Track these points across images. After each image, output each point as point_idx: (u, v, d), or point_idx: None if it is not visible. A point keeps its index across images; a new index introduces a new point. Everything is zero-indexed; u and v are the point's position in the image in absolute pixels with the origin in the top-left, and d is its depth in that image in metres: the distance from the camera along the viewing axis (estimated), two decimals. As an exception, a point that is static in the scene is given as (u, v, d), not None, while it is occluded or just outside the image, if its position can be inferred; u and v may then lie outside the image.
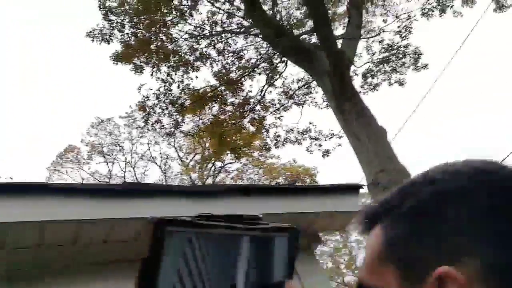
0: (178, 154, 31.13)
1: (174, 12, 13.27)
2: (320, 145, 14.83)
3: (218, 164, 29.92)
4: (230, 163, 29.46)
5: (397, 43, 13.65)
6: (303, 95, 15.65)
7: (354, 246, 46.39)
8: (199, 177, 30.94)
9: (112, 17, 12.02)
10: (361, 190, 3.99)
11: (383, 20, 14.00)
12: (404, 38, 13.46)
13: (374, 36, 14.04)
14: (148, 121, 12.98)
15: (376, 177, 10.84)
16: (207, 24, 13.24)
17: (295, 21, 14.64)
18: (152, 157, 31.10)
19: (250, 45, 14.61)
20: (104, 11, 11.88)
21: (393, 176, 10.45)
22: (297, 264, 0.87)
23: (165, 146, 30.20)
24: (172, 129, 13.36)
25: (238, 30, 13.68)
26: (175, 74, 12.91)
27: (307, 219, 3.71)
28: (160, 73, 12.74)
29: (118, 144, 29.68)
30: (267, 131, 15.33)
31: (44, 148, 53.31)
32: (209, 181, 30.47)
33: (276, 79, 14.76)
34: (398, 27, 13.55)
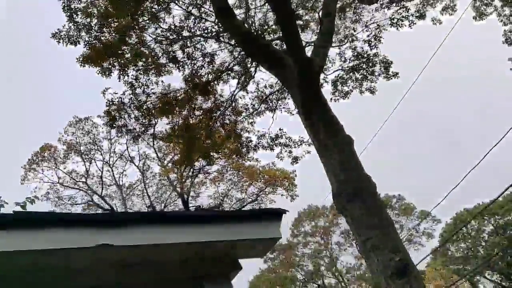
0: (157, 155, 30.93)
1: (146, 14, 13.10)
2: (290, 152, 14.77)
3: (197, 165, 29.71)
4: (209, 164, 29.34)
5: (366, 51, 13.64)
6: (276, 100, 15.58)
7: (334, 248, 46.68)
8: (178, 178, 30.73)
9: (78, 19, 11.84)
10: (284, 215, 3.89)
11: (353, 29, 13.99)
12: (373, 47, 13.46)
13: (343, 45, 14.01)
14: (114, 125, 12.83)
15: (340, 187, 10.74)
16: (177, 28, 13.07)
17: (267, 26, 14.53)
18: (131, 157, 30.89)
19: (223, 48, 14.50)
20: (68, 13, 11.68)
21: (357, 186, 10.37)
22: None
23: (144, 146, 29.96)
24: (140, 133, 13.22)
25: (209, 34, 13.54)
26: (144, 78, 12.75)
27: (224, 246, 3.62)
28: (128, 76, 12.58)
29: (96, 143, 29.41)
30: (239, 136, 15.22)
31: (20, 146, 52.73)
32: (187, 182, 30.31)
33: (247, 84, 14.66)
34: (368, 36, 13.54)
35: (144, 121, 12.94)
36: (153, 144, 29.43)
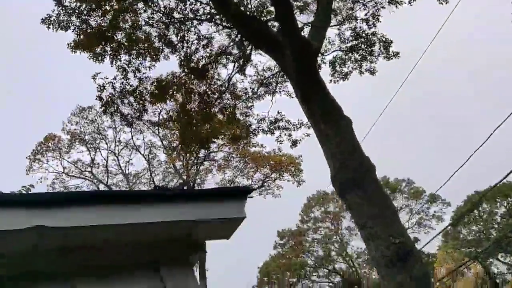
0: (162, 143, 30.79)
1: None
2: (290, 135, 14.51)
3: (203, 152, 29.50)
4: (214, 151, 29.18)
5: (364, 31, 13.23)
6: (275, 83, 15.26)
7: (345, 233, 46.45)
8: (184, 166, 30.61)
9: (67, 3, 11.57)
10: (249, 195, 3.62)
11: (351, 8, 13.55)
12: (371, 26, 13.06)
13: (342, 25, 13.58)
14: (107, 110, 12.64)
15: (337, 175, 10.44)
16: (169, 10, 12.74)
17: (264, 7, 14.12)
18: (136, 146, 30.79)
19: (220, 30, 14.15)
20: (56, -4, 11.41)
21: (357, 173, 10.08)
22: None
23: (149, 134, 29.82)
24: (134, 118, 13.01)
25: (202, 17, 13.20)
26: (136, 62, 12.47)
27: (181, 228, 3.37)
28: (120, 61, 12.31)
29: (100, 133, 29.30)
30: (238, 121, 14.97)
31: (25, 136, 53.04)
32: (193, 170, 30.18)
33: (245, 66, 14.31)
34: (366, 14, 13.12)
35: (138, 106, 12.74)
36: (158, 132, 29.31)
